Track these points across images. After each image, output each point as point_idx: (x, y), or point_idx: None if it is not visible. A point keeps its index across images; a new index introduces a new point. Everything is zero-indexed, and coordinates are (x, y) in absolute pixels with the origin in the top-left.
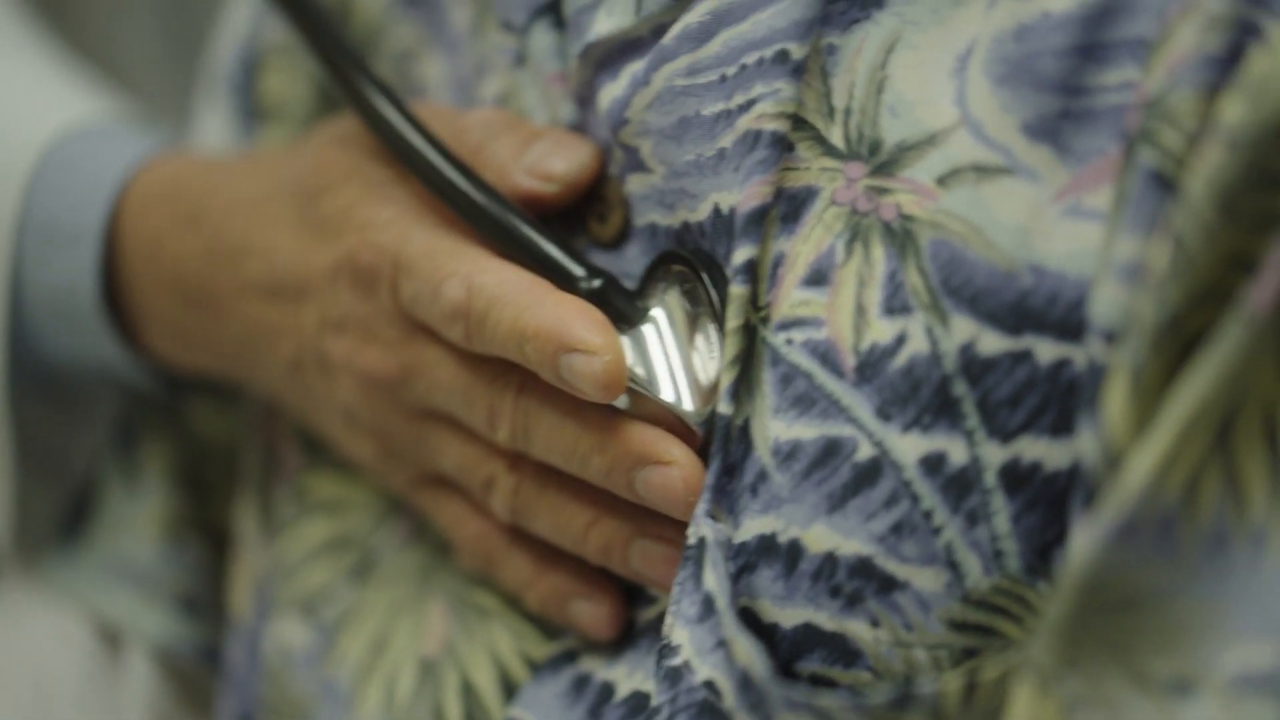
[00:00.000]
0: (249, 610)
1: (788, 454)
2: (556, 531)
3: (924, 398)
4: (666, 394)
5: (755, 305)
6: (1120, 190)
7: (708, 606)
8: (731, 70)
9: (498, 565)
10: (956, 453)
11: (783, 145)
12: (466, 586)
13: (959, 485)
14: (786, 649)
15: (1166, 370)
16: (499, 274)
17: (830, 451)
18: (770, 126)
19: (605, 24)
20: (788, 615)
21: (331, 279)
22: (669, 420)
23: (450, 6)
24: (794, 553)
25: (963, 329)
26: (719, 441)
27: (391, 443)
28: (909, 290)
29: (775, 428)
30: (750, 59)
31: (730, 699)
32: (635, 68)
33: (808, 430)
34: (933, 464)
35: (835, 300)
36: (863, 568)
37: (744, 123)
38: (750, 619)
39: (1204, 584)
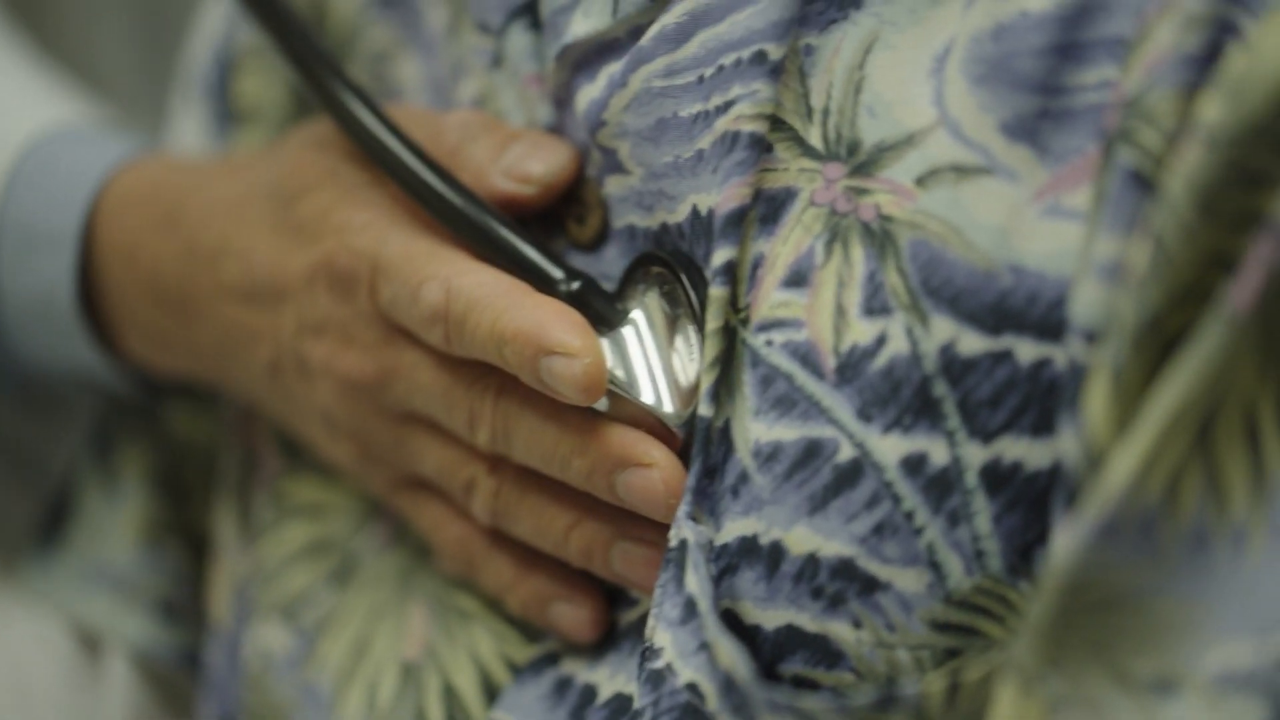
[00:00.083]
0: (229, 615)
1: (769, 455)
2: (537, 534)
3: (905, 398)
4: (646, 396)
5: (735, 307)
6: (1099, 190)
7: (690, 609)
8: (709, 71)
9: (478, 568)
10: (937, 453)
11: (761, 146)
12: (447, 589)
13: (940, 486)
14: (769, 651)
15: (1147, 370)
16: (478, 276)
17: (811, 453)
18: (748, 128)
19: (582, 25)
20: (770, 617)
21: (309, 282)
22: (649, 422)
23: (426, 8)
24: (776, 554)
25: (943, 329)
26: (699, 443)
27: (371, 446)
28: (889, 291)
29: (756, 429)
30: (728, 60)
31: (713, 701)
32: (613, 69)
33: (788, 432)
34: (914, 465)
35: (815, 301)
36: (844, 569)
37: (722, 124)
38: (732, 621)
39: (1185, 583)
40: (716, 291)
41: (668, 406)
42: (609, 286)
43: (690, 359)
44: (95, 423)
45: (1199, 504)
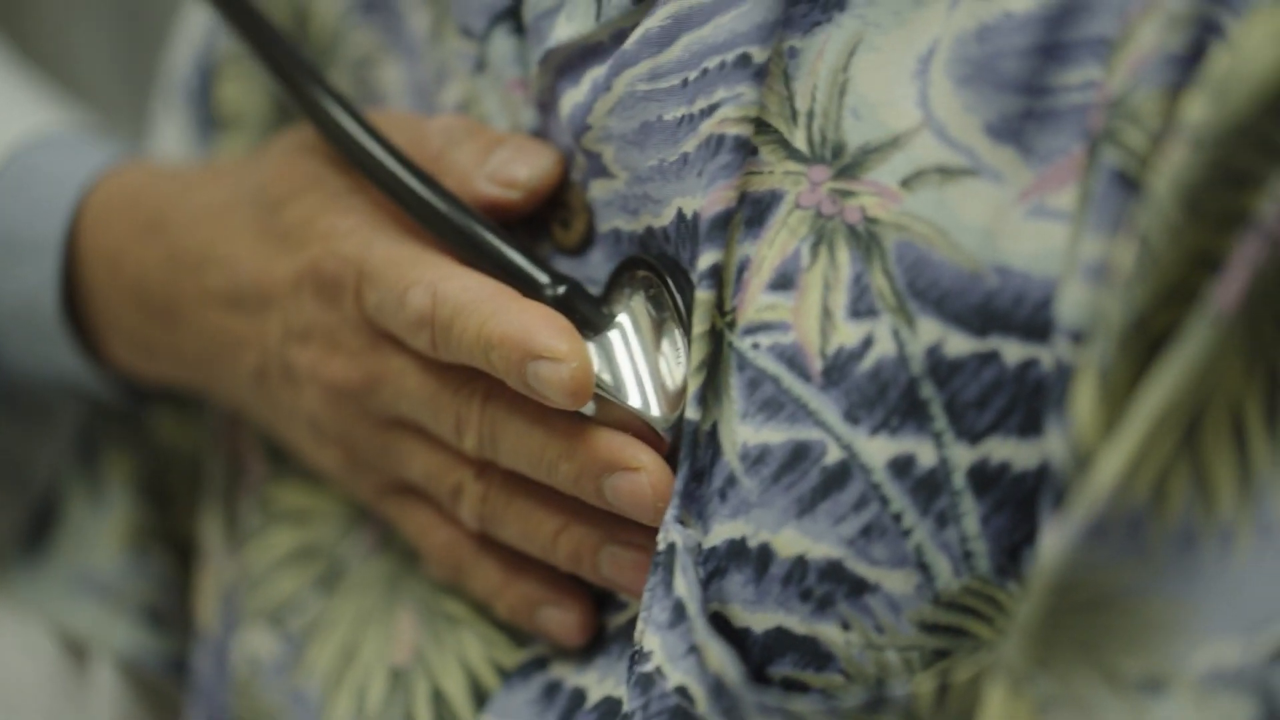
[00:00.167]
0: (216, 621)
1: (756, 458)
2: (525, 539)
3: (892, 400)
4: (633, 400)
5: (721, 310)
6: (1084, 190)
7: (678, 612)
8: (693, 74)
9: (466, 573)
10: (925, 454)
11: (746, 149)
12: (435, 594)
13: (928, 487)
14: (758, 653)
15: (1134, 370)
16: (463, 281)
17: (799, 455)
18: (733, 131)
19: (565, 29)
20: (759, 619)
21: (295, 289)
22: (636, 426)
23: (408, 12)
24: (764, 557)
25: (929, 331)
26: (687, 447)
27: (357, 452)
28: (875, 293)
29: (743, 432)
30: (712, 63)
31: (703, 705)
32: (596, 73)
33: (776, 434)
34: (901, 466)
35: (801, 304)
36: (833, 571)
37: (706, 127)
38: (721, 624)
39: (1173, 583)
40: (702, 295)
41: (655, 410)
42: (595, 291)
43: (677, 362)
44: (80, 429)
45: (1186, 503)
